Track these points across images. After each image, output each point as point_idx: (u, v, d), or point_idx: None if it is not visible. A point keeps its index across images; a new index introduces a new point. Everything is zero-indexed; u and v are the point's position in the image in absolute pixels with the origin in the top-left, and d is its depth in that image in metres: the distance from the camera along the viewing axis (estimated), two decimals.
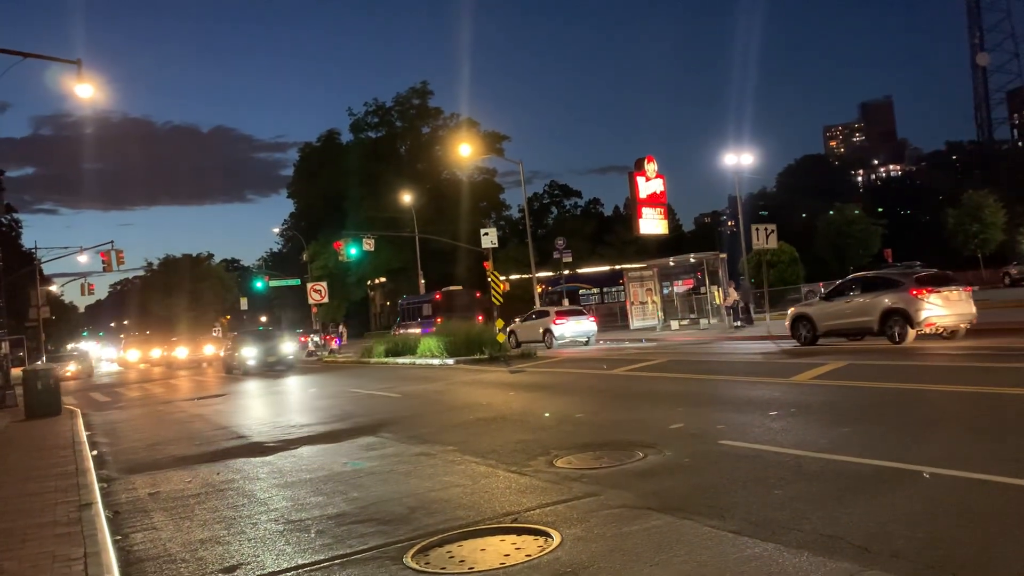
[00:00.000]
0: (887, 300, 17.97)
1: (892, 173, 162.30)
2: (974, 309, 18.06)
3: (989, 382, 10.64)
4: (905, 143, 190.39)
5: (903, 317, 17.52)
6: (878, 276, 20.44)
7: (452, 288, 46.06)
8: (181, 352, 49.72)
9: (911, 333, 17.44)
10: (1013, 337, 17.07)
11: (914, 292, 17.43)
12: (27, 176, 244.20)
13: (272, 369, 30.13)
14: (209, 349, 49.56)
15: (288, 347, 32.10)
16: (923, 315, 17.23)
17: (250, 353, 30.46)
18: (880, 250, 65.81)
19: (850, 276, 23.37)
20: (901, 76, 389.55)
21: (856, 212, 67.97)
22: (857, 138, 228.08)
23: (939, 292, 17.49)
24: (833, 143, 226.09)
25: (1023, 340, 16.25)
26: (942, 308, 17.40)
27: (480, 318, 28.77)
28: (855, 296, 19.05)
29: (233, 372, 31.56)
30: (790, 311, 21.96)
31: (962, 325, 17.87)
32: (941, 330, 17.88)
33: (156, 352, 60.87)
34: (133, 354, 61.70)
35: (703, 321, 32.33)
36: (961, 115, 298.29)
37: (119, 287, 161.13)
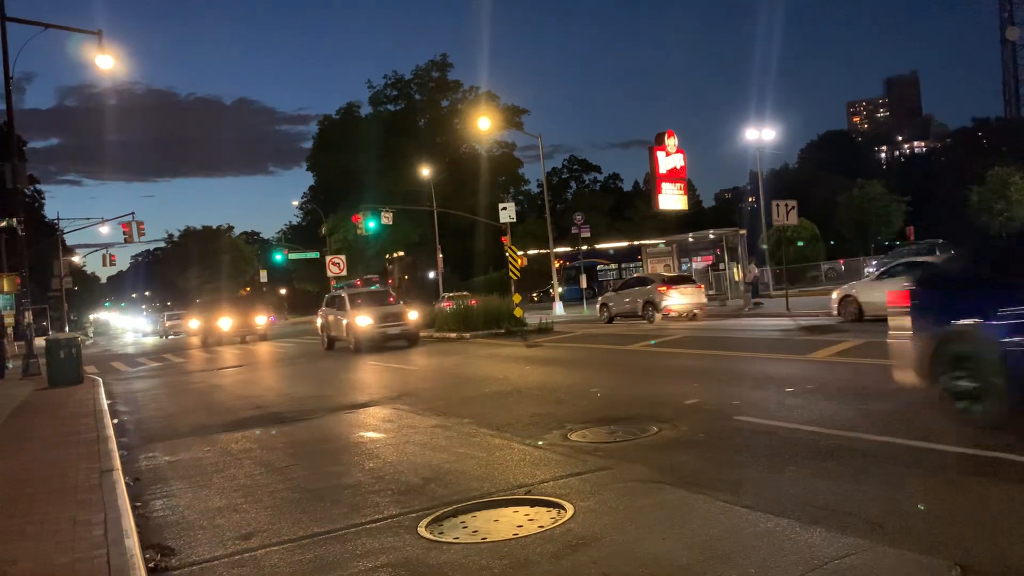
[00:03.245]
0: (645, 293, 25.43)
1: (916, 150, 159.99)
2: (704, 299, 26.06)
3: None
4: (930, 119, 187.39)
5: (653, 305, 24.97)
6: (644, 277, 28.80)
7: (368, 276, 53.68)
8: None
9: (658, 316, 24.68)
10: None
11: (660, 288, 24.90)
12: (51, 147, 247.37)
13: None
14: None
15: None
16: (664, 303, 24.60)
17: None
18: (903, 227, 64.96)
19: (630, 277, 33.08)
20: (928, 51, 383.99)
21: (879, 189, 66.90)
22: (881, 114, 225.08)
23: (676, 288, 24.89)
24: (856, 119, 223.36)
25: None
26: (679, 299, 24.64)
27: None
28: (631, 290, 26.65)
29: None
30: (599, 299, 29.33)
31: (695, 311, 25.01)
32: (682, 314, 24.72)
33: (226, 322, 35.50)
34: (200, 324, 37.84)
35: (722, 297, 32.21)
36: (988, 91, 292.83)
37: (140, 258, 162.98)
